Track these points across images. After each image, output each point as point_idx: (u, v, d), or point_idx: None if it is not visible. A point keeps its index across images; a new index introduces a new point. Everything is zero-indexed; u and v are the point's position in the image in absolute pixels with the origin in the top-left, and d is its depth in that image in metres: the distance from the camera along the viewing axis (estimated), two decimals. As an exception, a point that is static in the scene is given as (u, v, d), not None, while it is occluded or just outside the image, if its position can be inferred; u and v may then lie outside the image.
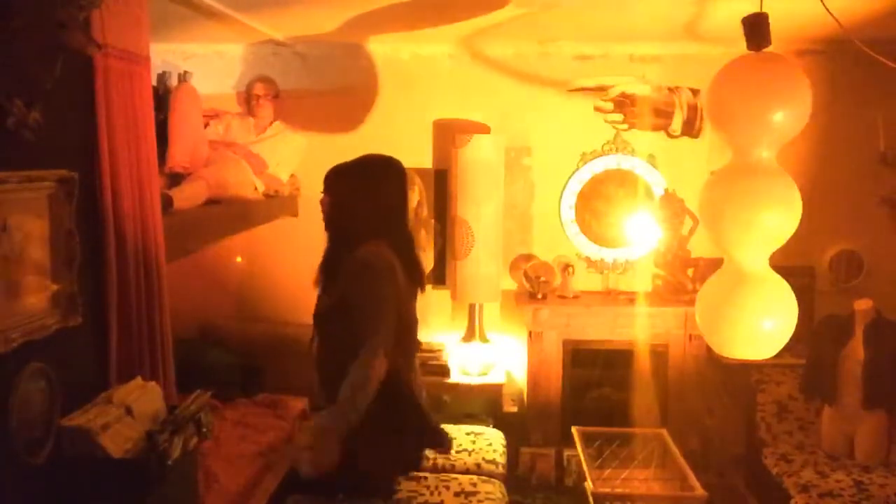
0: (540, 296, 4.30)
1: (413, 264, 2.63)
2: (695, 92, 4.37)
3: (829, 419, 3.66)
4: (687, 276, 4.25)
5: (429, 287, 4.56)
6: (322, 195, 2.63)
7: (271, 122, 4.27)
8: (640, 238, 4.45)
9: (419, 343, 2.73)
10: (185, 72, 3.20)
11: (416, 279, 2.64)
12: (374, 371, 2.25)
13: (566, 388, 4.27)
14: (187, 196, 2.91)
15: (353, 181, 2.61)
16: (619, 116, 4.45)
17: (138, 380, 2.14)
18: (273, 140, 4.17)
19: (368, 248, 2.49)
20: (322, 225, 2.66)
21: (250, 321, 4.42)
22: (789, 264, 3.02)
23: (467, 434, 3.76)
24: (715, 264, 2.76)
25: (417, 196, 4.54)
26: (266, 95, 4.26)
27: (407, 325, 2.56)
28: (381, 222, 2.57)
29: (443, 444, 2.75)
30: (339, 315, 2.45)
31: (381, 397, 2.31)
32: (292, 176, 4.21)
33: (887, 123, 4.12)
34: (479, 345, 4.33)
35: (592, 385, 4.39)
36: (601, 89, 4.43)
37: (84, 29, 1.93)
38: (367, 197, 2.58)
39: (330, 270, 2.57)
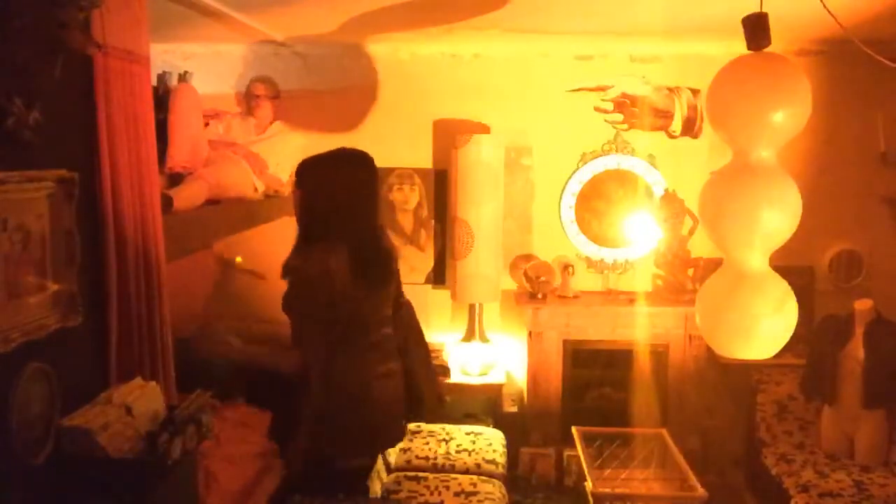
0: (540, 296, 4.30)
1: (370, 262, 2.62)
2: (695, 92, 4.37)
3: (829, 419, 3.66)
4: (687, 276, 4.26)
5: (429, 287, 4.59)
6: (292, 188, 2.67)
7: (271, 122, 4.27)
8: (640, 238, 4.46)
9: (385, 333, 2.75)
10: (186, 72, 3.20)
11: (373, 276, 2.64)
12: (291, 361, 2.60)
13: (566, 388, 4.27)
14: (187, 196, 2.90)
15: (322, 174, 2.62)
16: (619, 116, 4.45)
17: (138, 380, 2.14)
18: (273, 140, 4.17)
19: (313, 253, 2.53)
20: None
21: (250, 321, 4.42)
22: (789, 264, 3.03)
23: (467, 434, 3.76)
24: (715, 264, 2.76)
25: (417, 196, 4.54)
26: (265, 95, 4.26)
27: (355, 322, 2.61)
28: (345, 217, 2.58)
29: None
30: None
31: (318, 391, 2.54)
32: (293, 175, 4.20)
33: (887, 123, 4.12)
34: (479, 345, 4.33)
35: (592, 385, 4.39)
36: (601, 89, 4.44)
37: (84, 29, 1.92)
38: (333, 190, 2.60)
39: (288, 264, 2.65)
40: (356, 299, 2.58)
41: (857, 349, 3.54)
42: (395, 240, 4.46)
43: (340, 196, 2.59)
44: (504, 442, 3.77)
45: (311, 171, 2.64)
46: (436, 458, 3.50)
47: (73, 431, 1.87)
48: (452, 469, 3.43)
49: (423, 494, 3.13)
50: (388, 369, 2.72)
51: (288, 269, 2.56)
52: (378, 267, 2.66)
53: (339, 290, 2.51)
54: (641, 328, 4.17)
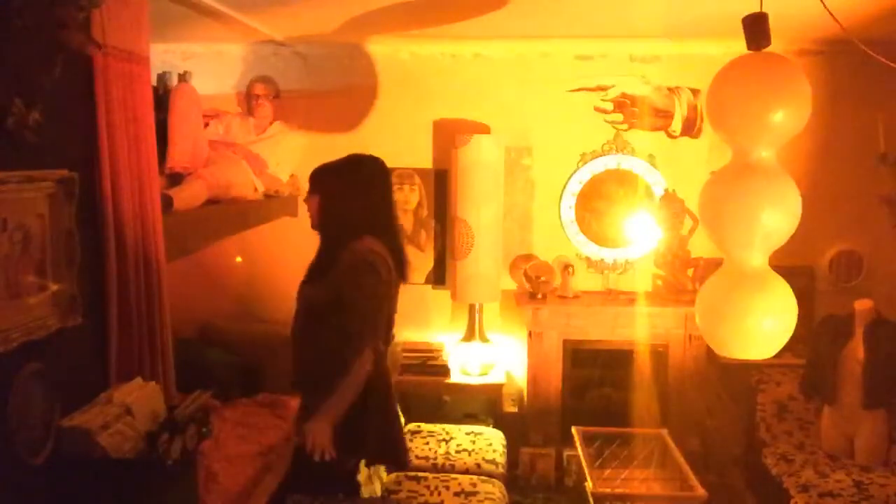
0: (540, 296, 4.30)
1: (400, 258, 2.68)
2: (695, 92, 4.38)
3: (829, 419, 3.66)
4: (687, 276, 4.26)
5: (429, 287, 4.59)
6: (307, 195, 2.68)
7: (271, 122, 4.27)
8: (640, 238, 4.45)
9: (393, 335, 2.77)
10: (185, 72, 3.20)
11: (402, 272, 2.69)
12: (364, 368, 2.44)
13: (566, 388, 4.27)
14: (187, 196, 2.91)
15: (341, 179, 2.65)
16: (619, 116, 4.45)
17: (138, 380, 2.14)
18: (273, 140, 4.17)
19: (365, 243, 2.55)
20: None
21: (250, 321, 4.43)
22: (789, 264, 3.02)
23: (467, 434, 3.76)
24: (715, 264, 2.76)
25: (417, 196, 4.55)
26: (266, 95, 4.26)
27: (388, 316, 2.64)
28: (371, 219, 2.62)
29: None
30: (333, 308, 2.51)
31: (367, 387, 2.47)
32: (292, 176, 4.21)
33: (887, 123, 4.11)
34: (479, 345, 4.33)
35: (592, 385, 4.39)
36: (601, 89, 4.44)
37: (84, 29, 1.93)
38: (355, 194, 2.62)
39: (322, 267, 2.62)
40: (394, 293, 2.64)
41: (857, 349, 3.54)
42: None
43: (358, 197, 2.62)
44: (504, 442, 3.77)
45: (326, 177, 2.66)
46: (436, 458, 3.50)
47: (73, 431, 1.87)
48: (452, 469, 3.43)
49: (423, 494, 3.13)
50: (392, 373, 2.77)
51: (357, 260, 2.51)
52: (403, 263, 2.70)
53: (393, 280, 2.57)
54: (641, 328, 4.17)
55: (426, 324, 4.56)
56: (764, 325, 2.29)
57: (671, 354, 4.18)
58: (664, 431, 3.74)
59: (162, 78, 3.16)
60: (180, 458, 2.01)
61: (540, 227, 4.57)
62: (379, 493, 3.06)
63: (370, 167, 2.69)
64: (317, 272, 2.64)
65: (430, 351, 4.40)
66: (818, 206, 3.64)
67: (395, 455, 2.73)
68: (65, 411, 1.90)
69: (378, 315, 2.52)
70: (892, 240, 4.32)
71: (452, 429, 3.82)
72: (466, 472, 3.41)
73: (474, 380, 4.26)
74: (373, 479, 2.97)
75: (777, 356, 2.43)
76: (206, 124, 3.87)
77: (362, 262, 2.51)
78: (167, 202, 2.66)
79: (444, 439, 3.68)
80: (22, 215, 1.78)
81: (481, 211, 4.21)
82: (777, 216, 2.24)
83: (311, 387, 2.59)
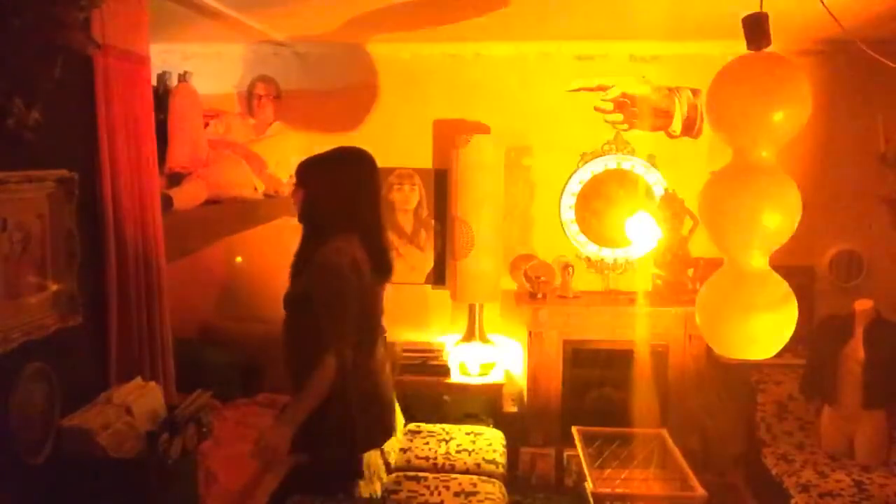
0: (540, 296, 4.30)
1: (381, 255, 2.65)
2: (695, 92, 4.36)
3: (829, 419, 3.66)
4: (687, 276, 4.26)
5: (429, 287, 4.59)
6: (294, 188, 2.67)
7: (271, 122, 4.27)
8: (640, 238, 4.45)
9: (384, 328, 2.76)
10: (185, 72, 3.19)
11: (383, 269, 2.67)
12: (327, 372, 2.42)
13: (566, 388, 4.27)
14: (187, 196, 2.90)
15: (325, 172, 2.64)
16: (619, 116, 4.43)
17: (138, 380, 2.14)
18: (273, 140, 4.17)
19: (336, 243, 2.52)
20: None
21: (250, 321, 4.42)
22: (789, 264, 3.02)
23: (467, 434, 3.76)
24: (715, 264, 2.76)
25: (417, 196, 4.55)
26: (267, 95, 4.26)
27: (369, 315, 2.61)
28: (353, 213, 2.60)
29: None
30: (303, 305, 2.53)
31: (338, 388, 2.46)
32: (292, 176, 4.20)
33: (887, 123, 4.11)
34: (479, 345, 4.33)
35: (592, 385, 4.39)
36: (601, 89, 4.43)
37: (84, 29, 1.93)
38: (338, 188, 2.61)
39: (301, 261, 2.62)
40: (374, 290, 2.61)
41: (857, 349, 3.54)
42: (395, 240, 4.46)
43: (344, 192, 2.61)
44: (504, 442, 3.77)
45: (313, 170, 2.66)
46: (436, 458, 3.50)
47: (73, 431, 1.87)
48: (452, 469, 3.43)
49: (423, 494, 3.13)
50: (388, 366, 2.75)
51: (314, 262, 2.52)
52: (387, 258, 2.68)
53: (365, 281, 2.53)
54: (641, 328, 4.17)
55: (426, 324, 4.56)
56: (764, 325, 2.29)
57: (671, 354, 4.19)
58: (664, 431, 3.74)
59: (162, 78, 3.15)
60: (180, 458, 2.01)
61: (540, 227, 4.57)
62: (379, 494, 3.06)
63: (354, 160, 2.66)
64: (295, 268, 2.63)
65: (430, 351, 4.40)
66: (818, 206, 3.64)
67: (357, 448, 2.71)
68: (65, 411, 1.90)
69: (343, 319, 2.47)
70: (892, 240, 4.32)
71: (452, 429, 3.83)
72: (466, 472, 3.41)
73: (474, 380, 4.26)
74: (373, 479, 2.97)
75: (777, 356, 2.41)
76: (206, 124, 3.86)
77: (328, 265, 2.49)
78: (167, 202, 2.66)
79: (444, 439, 3.68)
80: (22, 215, 1.78)
81: (481, 211, 4.21)
82: (777, 216, 2.24)
83: (293, 386, 2.62)
